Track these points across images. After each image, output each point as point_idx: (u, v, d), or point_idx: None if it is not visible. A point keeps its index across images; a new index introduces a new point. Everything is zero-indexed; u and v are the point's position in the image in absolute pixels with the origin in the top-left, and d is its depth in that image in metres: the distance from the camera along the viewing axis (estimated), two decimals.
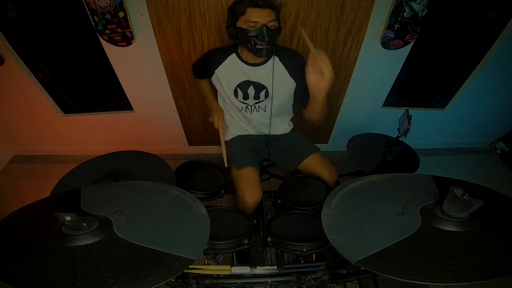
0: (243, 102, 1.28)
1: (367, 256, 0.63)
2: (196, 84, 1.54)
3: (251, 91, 1.23)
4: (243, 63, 1.18)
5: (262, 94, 1.24)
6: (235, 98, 1.26)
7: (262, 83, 1.21)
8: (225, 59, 1.19)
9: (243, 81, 1.21)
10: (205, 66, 1.29)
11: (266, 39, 1.01)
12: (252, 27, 1.01)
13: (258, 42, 1.02)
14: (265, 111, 1.30)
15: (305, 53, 1.65)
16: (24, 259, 0.59)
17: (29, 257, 0.60)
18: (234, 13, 1.03)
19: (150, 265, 0.60)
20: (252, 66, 1.18)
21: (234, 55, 1.19)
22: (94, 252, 0.61)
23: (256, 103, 1.28)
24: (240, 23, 1.03)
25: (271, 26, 1.01)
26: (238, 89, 1.23)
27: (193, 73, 1.48)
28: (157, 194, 0.85)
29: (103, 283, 0.55)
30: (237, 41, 1.14)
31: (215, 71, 1.22)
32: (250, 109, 1.30)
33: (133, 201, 0.80)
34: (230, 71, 1.20)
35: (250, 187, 1.21)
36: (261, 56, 1.09)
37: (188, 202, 0.81)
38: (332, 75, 0.90)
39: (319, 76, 0.91)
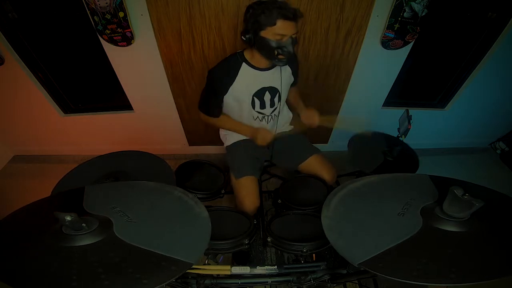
0: (260, 112, 1.26)
1: (369, 258, 0.63)
2: (213, 123, 1.32)
3: (267, 97, 1.22)
4: (255, 70, 1.16)
5: (276, 99, 1.25)
6: (252, 108, 1.24)
7: (275, 86, 1.21)
8: (238, 71, 1.14)
9: (259, 89, 1.19)
10: (218, 86, 1.17)
11: (292, 51, 1.02)
12: (279, 39, 1.00)
13: (282, 53, 1.03)
14: (278, 116, 1.32)
15: (305, 52, 1.65)
16: (22, 259, 0.59)
17: (27, 257, 0.60)
18: (260, 22, 0.99)
19: (146, 268, 0.60)
20: (263, 71, 1.17)
21: (244, 64, 1.15)
22: (92, 253, 0.61)
23: (273, 111, 1.28)
24: (266, 34, 1.00)
25: (294, 36, 1.02)
26: (255, 98, 1.21)
27: (207, 114, 1.27)
28: (160, 195, 0.85)
29: (97, 284, 0.55)
30: (253, 47, 1.10)
31: (230, 87, 1.16)
32: (266, 119, 1.29)
33: (135, 201, 0.80)
34: (247, 81, 1.17)
35: (248, 196, 1.21)
36: (280, 65, 1.10)
37: (190, 204, 0.81)
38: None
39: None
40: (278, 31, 0.98)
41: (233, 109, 1.27)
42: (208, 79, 1.18)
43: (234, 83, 1.15)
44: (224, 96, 1.19)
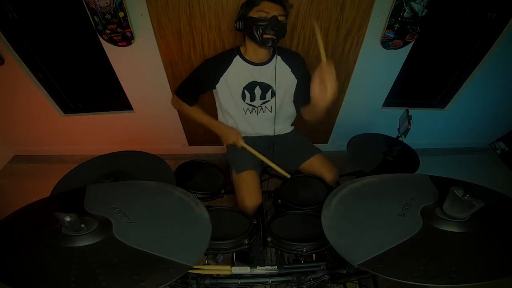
0: (250, 104, 1.28)
1: (369, 259, 0.62)
2: (188, 112, 1.35)
3: (257, 91, 1.25)
4: (248, 64, 1.20)
5: (269, 94, 1.27)
6: (242, 100, 1.26)
7: (267, 82, 1.24)
8: (231, 62, 1.20)
9: (250, 82, 1.23)
10: (205, 77, 1.24)
11: (275, 28, 1.07)
12: (264, 16, 1.07)
13: (266, 31, 1.08)
14: (271, 111, 1.32)
15: (305, 52, 1.65)
16: (20, 259, 0.59)
17: (26, 257, 0.59)
18: (248, 5, 1.10)
19: (145, 270, 0.59)
20: (256, 65, 1.21)
21: (238, 57, 1.20)
22: (90, 254, 0.61)
23: (263, 103, 1.30)
24: (252, 13, 1.09)
25: (280, 19, 1.08)
26: (245, 90, 1.24)
27: (183, 100, 1.31)
28: (161, 196, 0.85)
29: (95, 285, 0.54)
30: (244, 32, 1.16)
31: (221, 77, 1.21)
32: (256, 111, 1.31)
33: (135, 202, 0.80)
34: (238, 73, 1.21)
35: (249, 191, 1.21)
36: (266, 46, 1.11)
37: (191, 205, 0.81)
38: (336, 90, 0.92)
39: (322, 88, 0.93)
40: (262, 8, 1.07)
41: (226, 99, 1.28)
42: (199, 66, 1.25)
43: (225, 73, 1.20)
44: (217, 86, 1.23)
